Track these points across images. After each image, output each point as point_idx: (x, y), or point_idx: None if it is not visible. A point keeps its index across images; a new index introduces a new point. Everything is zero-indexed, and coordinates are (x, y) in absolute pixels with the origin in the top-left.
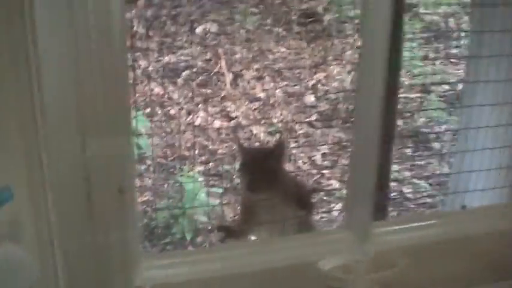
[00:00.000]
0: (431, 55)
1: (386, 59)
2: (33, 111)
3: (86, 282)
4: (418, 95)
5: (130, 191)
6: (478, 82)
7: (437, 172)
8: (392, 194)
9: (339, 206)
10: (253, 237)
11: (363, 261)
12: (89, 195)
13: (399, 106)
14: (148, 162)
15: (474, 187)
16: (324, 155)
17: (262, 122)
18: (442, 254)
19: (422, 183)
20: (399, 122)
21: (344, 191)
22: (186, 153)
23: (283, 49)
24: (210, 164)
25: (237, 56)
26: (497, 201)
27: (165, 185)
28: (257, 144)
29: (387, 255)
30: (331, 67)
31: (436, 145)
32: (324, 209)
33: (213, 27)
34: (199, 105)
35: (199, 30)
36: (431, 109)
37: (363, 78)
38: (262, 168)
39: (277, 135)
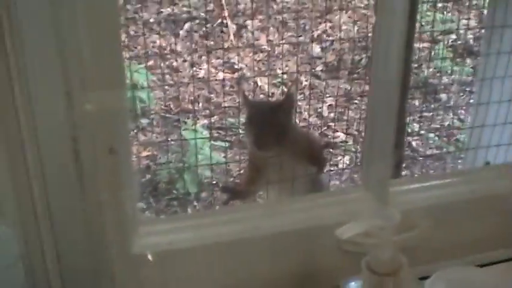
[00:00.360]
0: (440, 4)
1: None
2: (7, 61)
3: (76, 254)
4: (426, 45)
5: (125, 151)
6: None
7: (450, 124)
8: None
9: (346, 159)
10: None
11: (388, 228)
12: (76, 157)
13: None
14: (152, 116)
15: (495, 142)
16: (330, 106)
17: (267, 73)
18: (467, 214)
19: (431, 135)
20: None
21: (351, 143)
22: (190, 106)
23: None
24: (215, 117)
25: (241, 6)
26: None
27: (169, 139)
28: (262, 96)
29: (407, 216)
30: (337, 17)
31: (443, 96)
32: (331, 162)
33: None
34: (203, 57)
35: None
36: (442, 58)
37: (383, 21)
38: (270, 123)
39: (286, 87)
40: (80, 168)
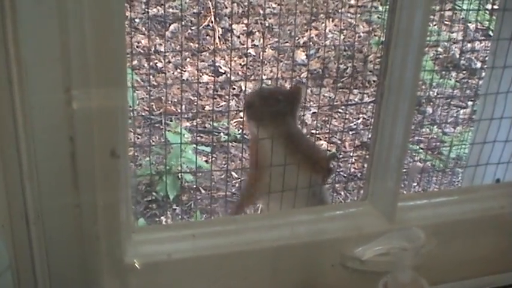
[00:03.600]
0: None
1: None
2: (6, 50)
3: (66, 263)
4: None
5: (125, 154)
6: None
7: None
8: None
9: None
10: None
11: (411, 249)
12: (73, 159)
13: None
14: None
15: (496, 157)
16: (313, 114)
17: (252, 78)
18: (476, 233)
19: (415, 147)
20: None
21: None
22: (173, 108)
23: (274, 4)
24: (198, 120)
25: (227, 10)
26: None
27: (150, 141)
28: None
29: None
30: (323, 24)
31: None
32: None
33: None
34: (187, 59)
35: None
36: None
37: (397, 37)
38: (275, 106)
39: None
40: (76, 171)
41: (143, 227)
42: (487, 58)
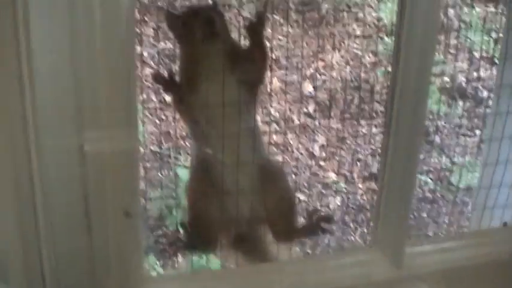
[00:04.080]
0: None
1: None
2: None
3: None
4: None
5: (137, 210)
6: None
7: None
8: None
9: (337, 200)
10: None
11: None
12: (88, 217)
13: None
14: (143, 150)
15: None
16: (321, 146)
17: (260, 110)
18: (484, 278)
19: (423, 177)
20: None
21: (342, 184)
22: (182, 142)
23: (280, 37)
24: None
25: None
26: None
27: (159, 174)
28: None
29: (420, 281)
30: (329, 56)
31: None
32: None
33: None
34: None
35: None
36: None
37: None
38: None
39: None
40: (90, 227)
41: (156, 277)
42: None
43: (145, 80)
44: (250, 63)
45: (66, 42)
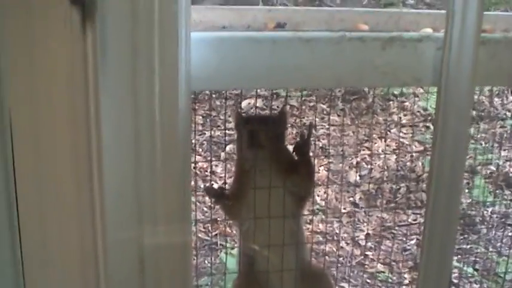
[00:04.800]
0: (477, 135)
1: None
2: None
3: None
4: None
5: None
6: None
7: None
8: None
9: None
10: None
11: None
12: None
13: None
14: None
15: None
16: (367, 235)
17: None
18: None
19: (469, 269)
20: None
21: (387, 274)
22: (229, 230)
23: (327, 125)
24: None
25: None
26: None
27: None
28: None
29: None
30: (376, 145)
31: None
32: None
33: (258, 102)
34: None
35: (244, 104)
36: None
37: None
38: (265, 131)
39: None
40: None
41: None
42: None
43: (194, 167)
44: (301, 177)
45: (132, 143)
